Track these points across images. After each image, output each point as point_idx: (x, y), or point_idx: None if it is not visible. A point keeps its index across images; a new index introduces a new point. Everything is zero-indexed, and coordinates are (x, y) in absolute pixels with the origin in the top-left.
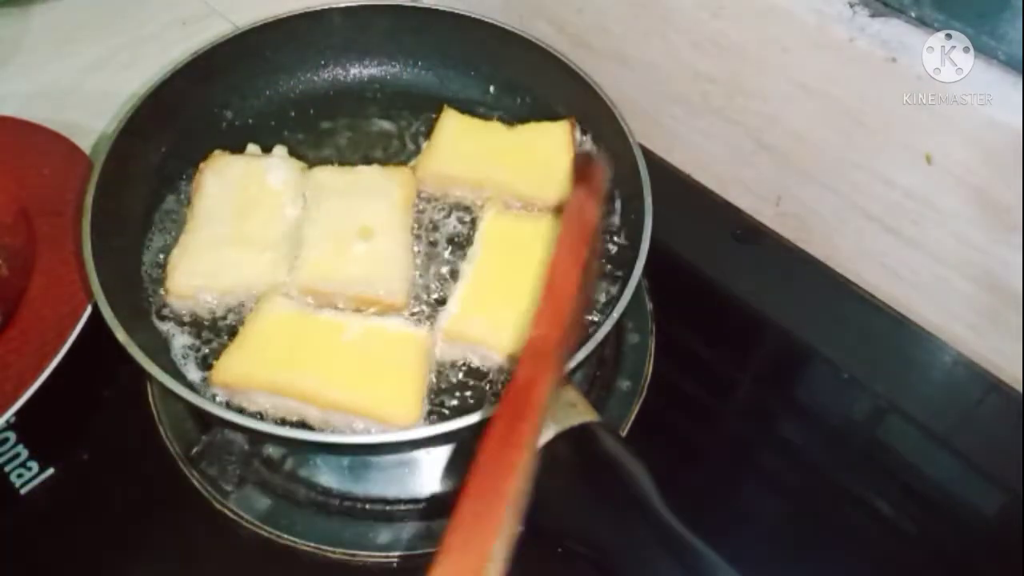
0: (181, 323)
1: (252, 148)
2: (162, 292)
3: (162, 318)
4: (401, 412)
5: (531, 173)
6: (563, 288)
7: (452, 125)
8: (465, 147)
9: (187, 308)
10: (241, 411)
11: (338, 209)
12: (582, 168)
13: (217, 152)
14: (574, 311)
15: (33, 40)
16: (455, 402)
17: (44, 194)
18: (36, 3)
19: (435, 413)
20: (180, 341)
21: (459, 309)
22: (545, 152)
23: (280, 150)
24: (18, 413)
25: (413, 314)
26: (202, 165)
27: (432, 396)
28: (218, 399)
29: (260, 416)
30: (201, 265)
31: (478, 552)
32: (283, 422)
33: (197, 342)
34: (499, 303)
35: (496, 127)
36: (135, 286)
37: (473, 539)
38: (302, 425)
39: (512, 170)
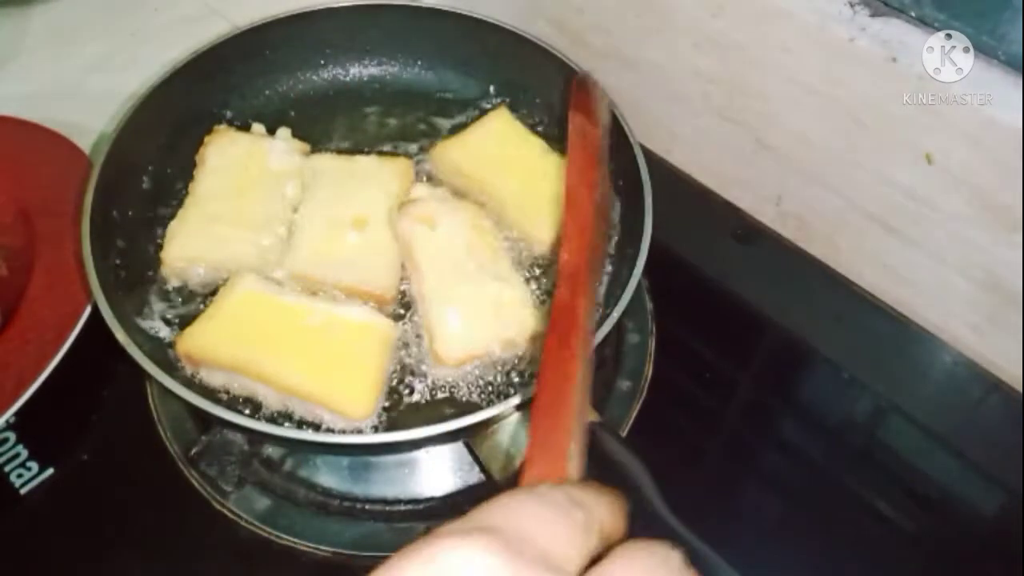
0: (178, 324)
1: (257, 127)
2: (158, 262)
3: (163, 320)
4: (354, 404)
5: (530, 200)
6: (582, 212)
7: (495, 125)
8: (490, 149)
9: (179, 280)
10: (203, 385)
11: (334, 197)
12: (580, 93)
13: (223, 127)
14: (595, 232)
15: (33, 40)
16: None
17: (44, 194)
18: (36, 3)
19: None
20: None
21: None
22: (557, 189)
23: (283, 132)
24: (18, 413)
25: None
26: (207, 139)
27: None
28: (183, 367)
29: (226, 393)
30: (197, 238)
31: (557, 456)
32: (244, 402)
33: None
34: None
35: (536, 145)
36: (136, 286)
37: (551, 447)
38: (259, 408)
39: (515, 189)
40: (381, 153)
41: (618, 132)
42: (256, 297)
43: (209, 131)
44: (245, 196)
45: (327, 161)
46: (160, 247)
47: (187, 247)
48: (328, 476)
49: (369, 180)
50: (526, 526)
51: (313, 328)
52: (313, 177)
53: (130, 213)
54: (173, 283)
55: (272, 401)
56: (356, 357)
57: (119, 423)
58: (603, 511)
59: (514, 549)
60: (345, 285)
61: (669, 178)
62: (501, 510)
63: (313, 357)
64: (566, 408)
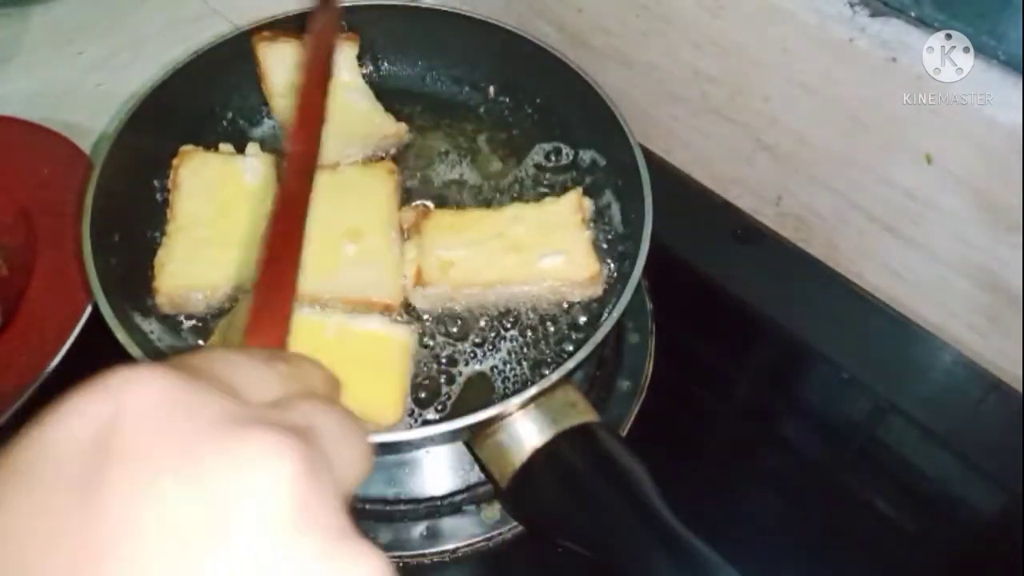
0: (179, 323)
1: (225, 147)
2: (152, 293)
3: (163, 318)
4: (383, 412)
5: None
6: (314, 109)
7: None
8: None
9: (178, 308)
10: None
11: (322, 211)
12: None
13: (189, 148)
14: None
15: (33, 40)
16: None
17: (44, 194)
18: (36, 3)
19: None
20: (180, 340)
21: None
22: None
23: (252, 148)
24: (18, 413)
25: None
26: (175, 162)
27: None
28: None
29: None
30: (187, 266)
31: (276, 328)
32: None
33: (201, 342)
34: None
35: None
36: (136, 286)
37: (270, 320)
38: None
39: None
40: (365, 161)
41: (618, 132)
42: None
43: (213, 144)
44: (227, 216)
45: None
46: (160, 244)
47: (180, 275)
48: None
49: (354, 189)
50: (218, 368)
51: (330, 341)
52: None
53: (130, 213)
54: (169, 312)
55: None
56: (378, 366)
57: None
58: (316, 379)
59: (201, 377)
60: (351, 299)
61: (669, 178)
62: (199, 355)
63: (336, 369)
64: (288, 287)
